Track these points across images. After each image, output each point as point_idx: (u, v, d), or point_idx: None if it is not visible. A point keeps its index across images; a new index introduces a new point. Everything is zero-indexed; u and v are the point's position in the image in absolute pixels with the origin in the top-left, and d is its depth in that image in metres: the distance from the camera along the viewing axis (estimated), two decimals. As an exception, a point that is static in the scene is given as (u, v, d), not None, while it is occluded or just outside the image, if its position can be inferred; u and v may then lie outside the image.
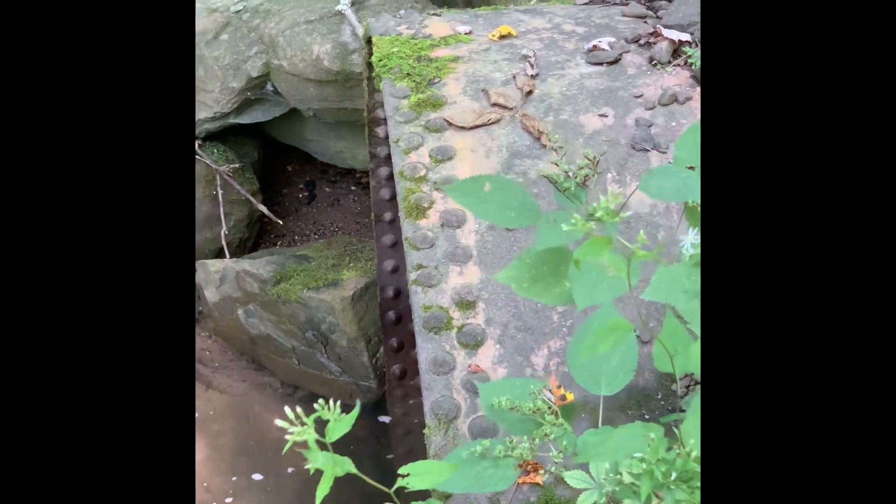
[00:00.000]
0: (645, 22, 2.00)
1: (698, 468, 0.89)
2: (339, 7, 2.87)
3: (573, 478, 1.09)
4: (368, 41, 2.03)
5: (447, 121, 1.71)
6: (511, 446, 1.06)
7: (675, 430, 1.01)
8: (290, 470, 2.48)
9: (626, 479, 0.95)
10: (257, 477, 2.47)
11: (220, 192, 3.05)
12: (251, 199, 3.11)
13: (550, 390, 1.33)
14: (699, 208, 1.01)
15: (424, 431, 1.39)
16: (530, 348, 1.43)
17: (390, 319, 2.28)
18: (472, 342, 1.44)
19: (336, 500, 1.08)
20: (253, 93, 3.00)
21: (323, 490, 0.96)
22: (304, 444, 0.95)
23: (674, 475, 0.90)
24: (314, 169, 3.62)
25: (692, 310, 0.93)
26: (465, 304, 1.48)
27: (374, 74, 1.91)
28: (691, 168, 1.09)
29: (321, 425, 0.97)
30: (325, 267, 2.75)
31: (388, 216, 2.25)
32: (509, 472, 1.06)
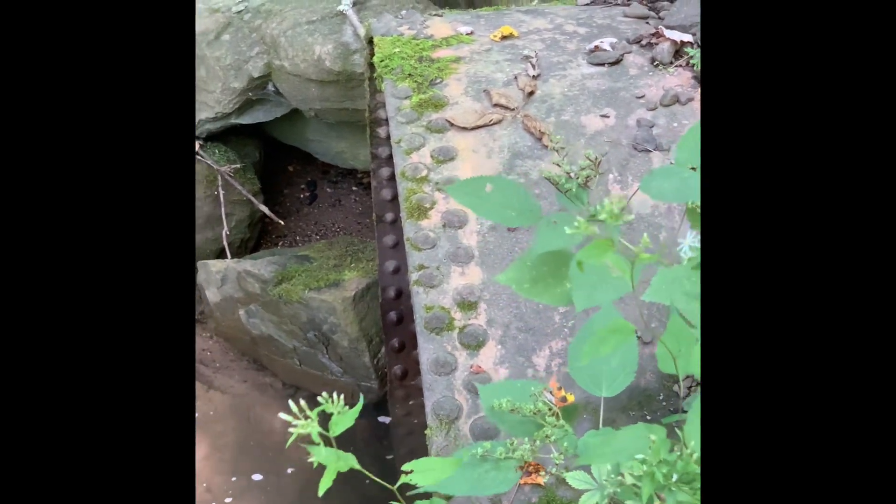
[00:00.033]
0: (647, 23, 2.00)
1: (699, 469, 0.89)
2: (340, 7, 2.87)
3: (575, 479, 1.09)
4: (370, 42, 2.02)
5: (449, 121, 1.71)
6: (512, 448, 1.06)
7: (678, 431, 1.01)
8: (290, 470, 2.48)
9: (628, 480, 0.95)
10: (257, 477, 2.47)
11: (221, 192, 3.05)
12: (252, 199, 3.10)
13: (551, 392, 1.33)
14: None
15: (426, 432, 1.39)
16: (532, 349, 1.43)
17: (392, 320, 2.28)
18: (474, 343, 1.44)
19: (337, 502, 1.08)
20: (254, 93, 3.00)
21: (326, 483, 0.95)
22: (308, 439, 0.95)
23: (675, 477, 0.90)
24: (315, 169, 3.62)
25: (692, 311, 0.93)
26: (467, 305, 1.48)
27: (375, 75, 1.91)
28: (693, 169, 1.09)
29: (324, 421, 0.97)
30: (326, 267, 2.75)
31: (389, 217, 2.25)
32: (510, 474, 1.06)
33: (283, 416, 0.94)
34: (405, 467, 1.03)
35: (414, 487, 1.08)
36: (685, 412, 1.31)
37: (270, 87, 3.00)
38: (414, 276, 1.52)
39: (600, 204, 0.89)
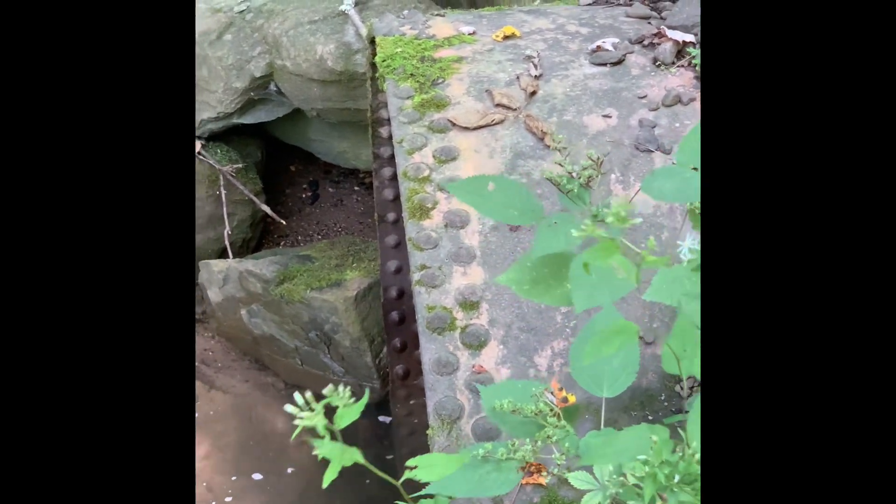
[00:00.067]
0: (649, 23, 2.00)
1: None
2: (342, 7, 2.87)
3: (577, 479, 1.09)
4: (372, 41, 2.02)
5: (451, 121, 1.71)
6: (513, 449, 1.05)
7: (681, 432, 1.01)
8: (290, 470, 2.48)
9: (630, 480, 0.95)
10: (257, 477, 2.47)
11: (223, 192, 3.05)
12: (254, 199, 3.11)
13: (552, 392, 1.32)
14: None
15: (428, 432, 1.39)
16: (534, 349, 1.43)
17: (393, 320, 2.28)
18: (476, 343, 1.44)
19: (339, 502, 1.08)
20: (256, 93, 3.00)
21: (331, 475, 0.95)
22: (313, 432, 0.95)
23: (677, 477, 0.90)
24: (317, 169, 3.62)
25: (692, 312, 0.93)
26: (469, 305, 1.48)
27: (377, 75, 1.91)
28: (695, 169, 1.09)
29: (329, 417, 0.97)
30: (328, 267, 2.75)
31: (391, 216, 2.25)
32: (512, 475, 1.06)
33: (288, 408, 0.94)
34: (409, 463, 1.03)
35: (416, 488, 1.08)
36: (687, 412, 1.31)
37: (272, 87, 3.00)
38: (416, 276, 1.52)
39: (606, 206, 0.89)
